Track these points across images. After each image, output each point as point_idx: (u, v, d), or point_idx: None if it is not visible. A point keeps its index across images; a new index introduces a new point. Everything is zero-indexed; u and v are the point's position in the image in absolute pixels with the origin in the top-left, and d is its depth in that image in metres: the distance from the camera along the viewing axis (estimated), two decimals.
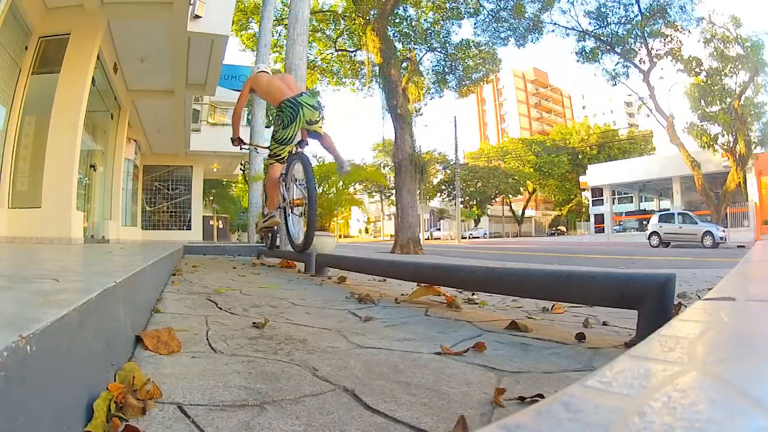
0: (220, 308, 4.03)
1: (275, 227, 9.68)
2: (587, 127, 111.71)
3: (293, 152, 9.04)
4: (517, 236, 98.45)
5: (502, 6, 33.12)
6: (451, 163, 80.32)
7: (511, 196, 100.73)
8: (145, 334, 2.58)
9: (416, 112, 33.15)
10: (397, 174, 27.79)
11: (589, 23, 40.80)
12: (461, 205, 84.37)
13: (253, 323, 3.32)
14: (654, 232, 36.86)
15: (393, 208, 54.54)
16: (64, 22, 12.41)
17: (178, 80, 17.62)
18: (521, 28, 34.45)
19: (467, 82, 34.84)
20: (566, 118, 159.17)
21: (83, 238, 12.68)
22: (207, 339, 2.85)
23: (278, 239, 11.81)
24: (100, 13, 12.72)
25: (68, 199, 11.72)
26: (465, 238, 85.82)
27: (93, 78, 12.77)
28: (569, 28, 40.89)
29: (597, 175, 76.48)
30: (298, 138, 9.02)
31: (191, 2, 13.03)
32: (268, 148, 9.09)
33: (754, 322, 1.53)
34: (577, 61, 42.29)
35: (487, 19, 33.69)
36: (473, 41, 33.82)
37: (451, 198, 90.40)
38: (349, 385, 2.05)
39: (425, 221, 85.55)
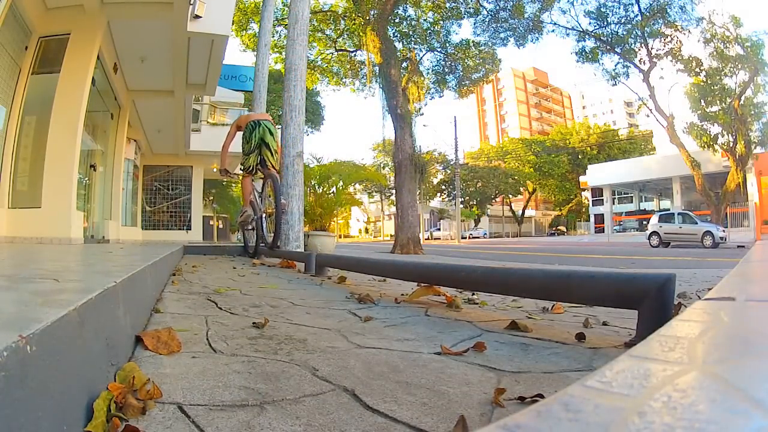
0: (220, 308, 4.02)
1: (250, 226, 11.94)
2: (587, 127, 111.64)
3: (268, 173, 11.38)
4: (517, 236, 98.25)
5: (501, 6, 33.14)
6: (451, 163, 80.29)
7: (511, 196, 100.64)
8: (145, 334, 2.57)
9: (416, 112, 33.25)
10: (397, 174, 27.89)
11: (589, 23, 40.90)
12: (461, 205, 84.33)
13: (253, 323, 3.32)
14: (654, 232, 36.73)
15: (393, 208, 54.60)
16: (64, 22, 12.41)
17: (178, 80, 17.62)
18: (521, 28, 34.51)
19: (467, 82, 34.88)
20: (566, 118, 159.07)
21: (83, 238, 12.68)
22: (207, 339, 2.85)
23: (251, 240, 12.67)
24: (100, 13, 12.72)
25: (68, 199, 11.72)
26: (465, 238, 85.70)
27: (93, 78, 12.77)
28: (569, 28, 40.97)
29: (597, 175, 76.56)
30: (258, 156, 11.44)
31: (191, 2, 13.02)
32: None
33: (754, 322, 1.53)
34: (577, 61, 42.39)
35: (487, 19, 33.73)
36: (473, 41, 33.89)
37: (451, 198, 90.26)
38: (349, 385, 2.04)
39: (425, 221, 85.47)
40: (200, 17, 13.63)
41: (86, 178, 15.65)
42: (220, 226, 42.37)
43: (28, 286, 2.11)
